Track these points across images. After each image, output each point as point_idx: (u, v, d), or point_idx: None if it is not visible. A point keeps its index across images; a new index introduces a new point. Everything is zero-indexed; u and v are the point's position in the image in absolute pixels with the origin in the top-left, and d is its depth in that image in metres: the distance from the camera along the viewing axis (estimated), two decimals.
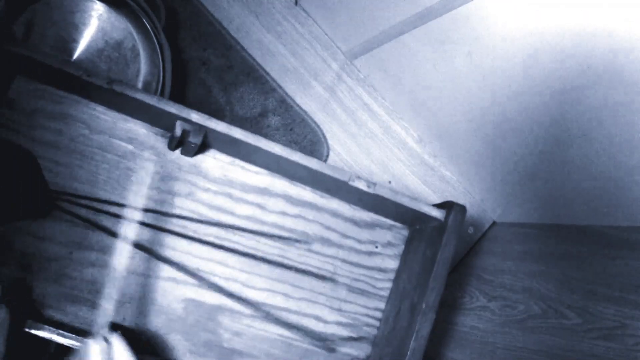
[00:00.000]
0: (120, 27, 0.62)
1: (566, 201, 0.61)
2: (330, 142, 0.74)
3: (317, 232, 0.62)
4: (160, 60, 0.61)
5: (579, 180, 0.56)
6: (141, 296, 0.56)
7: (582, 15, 0.41)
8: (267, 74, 0.72)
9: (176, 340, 0.57)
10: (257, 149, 0.53)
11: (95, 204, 0.56)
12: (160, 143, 0.58)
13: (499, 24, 0.49)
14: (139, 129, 0.57)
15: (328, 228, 0.62)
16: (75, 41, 0.61)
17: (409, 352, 0.52)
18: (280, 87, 0.73)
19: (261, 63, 0.72)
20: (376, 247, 0.63)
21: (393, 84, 0.72)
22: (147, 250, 0.57)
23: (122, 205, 0.57)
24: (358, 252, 0.63)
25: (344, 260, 0.62)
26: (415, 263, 0.59)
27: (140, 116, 0.56)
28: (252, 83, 0.71)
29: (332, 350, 0.61)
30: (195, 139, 0.53)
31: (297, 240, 0.61)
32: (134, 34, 0.62)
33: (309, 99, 0.74)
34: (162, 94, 0.61)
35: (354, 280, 0.62)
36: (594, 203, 0.57)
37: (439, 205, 0.57)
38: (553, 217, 0.66)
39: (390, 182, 0.76)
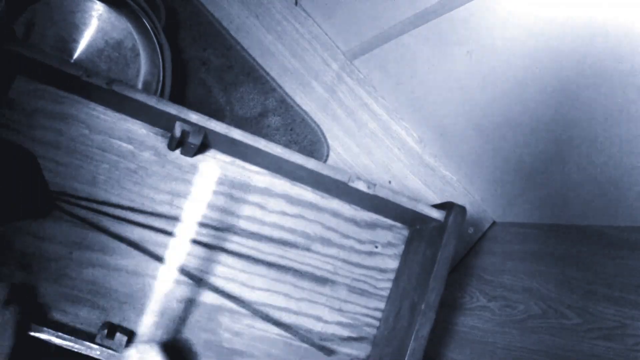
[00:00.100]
0: (120, 27, 0.62)
1: (566, 201, 0.61)
2: (330, 142, 0.74)
3: (318, 232, 0.62)
4: (160, 60, 0.61)
5: (579, 180, 0.56)
6: (141, 296, 0.56)
7: (582, 15, 0.41)
8: (267, 74, 0.72)
9: (176, 341, 0.57)
10: (256, 150, 0.53)
11: (94, 204, 0.56)
12: (160, 143, 0.58)
13: (499, 24, 0.49)
14: (138, 129, 0.57)
15: (328, 228, 0.62)
16: (75, 41, 0.61)
17: (408, 352, 0.52)
18: (280, 87, 0.73)
19: (261, 63, 0.72)
20: (376, 247, 0.63)
21: (393, 84, 0.72)
22: (147, 250, 0.57)
23: (121, 206, 0.57)
24: (358, 252, 0.63)
25: (344, 261, 0.62)
26: (416, 263, 0.59)
27: (140, 116, 0.56)
28: (252, 83, 0.72)
29: (332, 350, 0.61)
30: (194, 140, 0.53)
31: (297, 241, 0.61)
32: (134, 34, 0.62)
33: (309, 99, 0.74)
34: (162, 94, 0.61)
35: (354, 280, 0.62)
36: (594, 203, 0.57)
37: (438, 206, 0.57)
38: (553, 217, 0.66)
39: (390, 182, 0.76)
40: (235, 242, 0.59)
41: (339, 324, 0.61)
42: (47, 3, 0.59)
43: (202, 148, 0.57)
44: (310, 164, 0.54)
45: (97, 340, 0.51)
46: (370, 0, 0.62)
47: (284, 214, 0.61)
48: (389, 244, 0.63)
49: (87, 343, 0.50)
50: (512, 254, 0.70)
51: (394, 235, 0.63)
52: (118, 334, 0.51)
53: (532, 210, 0.69)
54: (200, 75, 0.70)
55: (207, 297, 0.58)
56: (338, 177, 0.55)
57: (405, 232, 0.64)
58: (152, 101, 0.51)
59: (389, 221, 0.63)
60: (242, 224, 0.60)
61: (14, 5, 0.58)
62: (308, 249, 0.61)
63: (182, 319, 0.57)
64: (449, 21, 0.53)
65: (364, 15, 0.65)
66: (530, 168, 0.62)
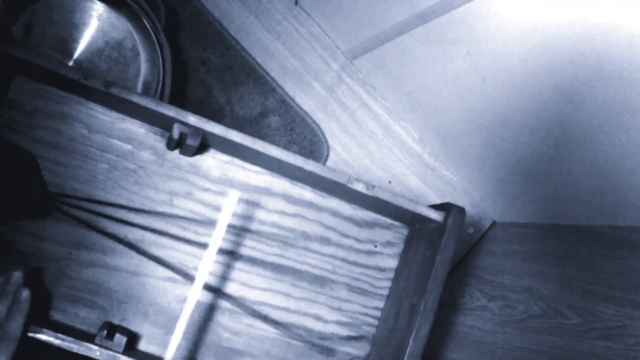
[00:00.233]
0: (120, 27, 0.62)
1: (566, 201, 0.61)
2: (330, 142, 0.74)
3: (317, 231, 0.62)
4: (160, 60, 0.61)
5: (579, 181, 0.56)
6: (140, 296, 0.57)
7: (582, 15, 0.41)
8: (267, 74, 0.72)
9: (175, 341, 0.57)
10: (255, 152, 0.53)
11: (94, 205, 0.56)
12: (159, 143, 0.58)
13: (499, 24, 0.49)
14: (137, 129, 0.57)
15: (328, 227, 0.62)
16: (75, 41, 0.61)
17: (408, 352, 0.52)
18: (280, 87, 0.73)
19: (261, 63, 0.72)
20: (375, 246, 0.63)
21: (393, 84, 0.72)
22: (146, 250, 0.57)
23: (121, 206, 0.57)
24: (357, 251, 0.62)
25: (343, 260, 0.62)
26: (415, 263, 0.59)
27: (139, 117, 0.56)
28: (252, 83, 0.72)
29: (331, 349, 0.61)
30: (193, 141, 0.53)
31: (296, 240, 0.61)
32: (134, 34, 0.62)
33: (309, 99, 0.74)
34: (162, 94, 0.61)
35: (353, 279, 0.62)
36: (594, 203, 0.57)
37: (438, 207, 0.57)
38: (553, 217, 0.66)
39: (390, 182, 0.76)
40: (235, 242, 0.59)
41: (339, 323, 0.61)
42: (47, 3, 0.60)
43: (201, 148, 0.57)
44: (309, 165, 0.54)
45: (97, 341, 0.51)
46: (370, 0, 0.62)
47: (284, 213, 0.61)
48: (389, 243, 0.63)
49: (87, 344, 0.50)
50: (512, 254, 0.69)
51: (394, 234, 0.63)
52: (117, 335, 0.51)
53: (532, 210, 0.69)
54: (200, 75, 0.70)
55: (207, 297, 0.58)
56: (337, 178, 0.55)
57: (405, 232, 0.64)
58: (150, 103, 0.51)
59: (389, 220, 0.63)
60: (242, 223, 0.60)
61: (14, 5, 0.58)
62: (307, 248, 0.61)
63: (182, 318, 0.57)
64: (448, 21, 0.53)
65: (364, 15, 0.65)
66: (530, 168, 0.62)
